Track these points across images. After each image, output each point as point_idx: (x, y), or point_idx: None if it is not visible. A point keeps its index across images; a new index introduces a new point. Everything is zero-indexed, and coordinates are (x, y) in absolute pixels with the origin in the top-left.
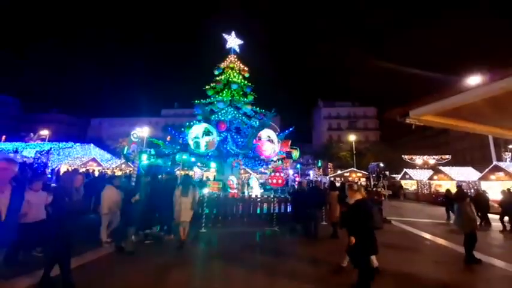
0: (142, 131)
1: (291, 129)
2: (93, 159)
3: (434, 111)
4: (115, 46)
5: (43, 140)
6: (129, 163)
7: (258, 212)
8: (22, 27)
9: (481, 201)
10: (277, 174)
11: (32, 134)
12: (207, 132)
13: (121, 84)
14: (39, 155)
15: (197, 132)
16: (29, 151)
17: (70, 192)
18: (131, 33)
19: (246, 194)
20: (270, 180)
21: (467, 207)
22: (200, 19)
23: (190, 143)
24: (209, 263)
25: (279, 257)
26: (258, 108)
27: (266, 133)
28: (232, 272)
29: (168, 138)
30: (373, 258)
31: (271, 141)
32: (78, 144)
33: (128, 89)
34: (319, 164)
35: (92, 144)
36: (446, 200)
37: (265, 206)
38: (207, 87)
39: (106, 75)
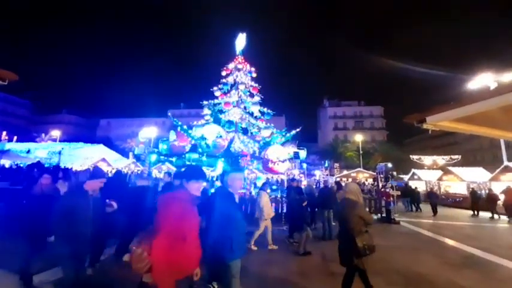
0: (150, 131)
1: (297, 129)
2: (103, 159)
3: (450, 118)
4: (123, 47)
5: (54, 140)
6: (138, 163)
7: None
8: (31, 26)
9: (414, 194)
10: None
11: (43, 135)
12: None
13: (129, 85)
14: (51, 155)
15: (204, 133)
16: (41, 151)
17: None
18: (139, 34)
19: (254, 194)
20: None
21: None
22: (207, 19)
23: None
24: None
25: (289, 256)
26: (265, 109)
27: (274, 153)
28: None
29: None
30: None
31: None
32: (89, 144)
33: (135, 89)
34: (326, 165)
35: (102, 145)
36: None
37: (273, 205)
38: (214, 88)
39: (114, 77)
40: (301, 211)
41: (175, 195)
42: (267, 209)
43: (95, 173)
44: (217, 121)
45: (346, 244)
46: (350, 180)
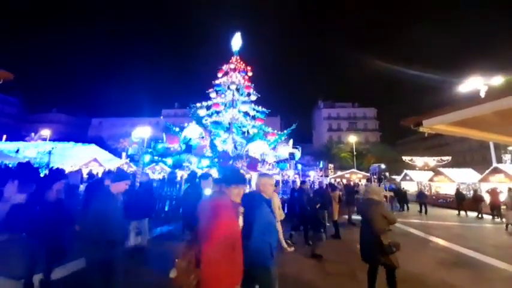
0: (143, 131)
1: (293, 126)
2: (95, 160)
3: (446, 121)
4: (116, 45)
5: (44, 139)
6: (131, 163)
7: None
8: (22, 24)
9: (401, 194)
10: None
11: (32, 134)
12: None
13: (121, 84)
14: (41, 155)
15: (187, 134)
16: (30, 151)
17: None
18: (133, 32)
19: None
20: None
21: None
22: (204, 18)
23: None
24: None
25: (287, 256)
26: (259, 108)
27: (257, 149)
28: None
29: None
30: None
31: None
32: (80, 144)
33: (128, 89)
34: (321, 165)
35: (94, 144)
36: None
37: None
38: (210, 90)
39: (107, 75)
40: (317, 214)
41: (221, 202)
42: (279, 210)
43: (119, 174)
44: (199, 121)
45: (369, 242)
46: (344, 181)
